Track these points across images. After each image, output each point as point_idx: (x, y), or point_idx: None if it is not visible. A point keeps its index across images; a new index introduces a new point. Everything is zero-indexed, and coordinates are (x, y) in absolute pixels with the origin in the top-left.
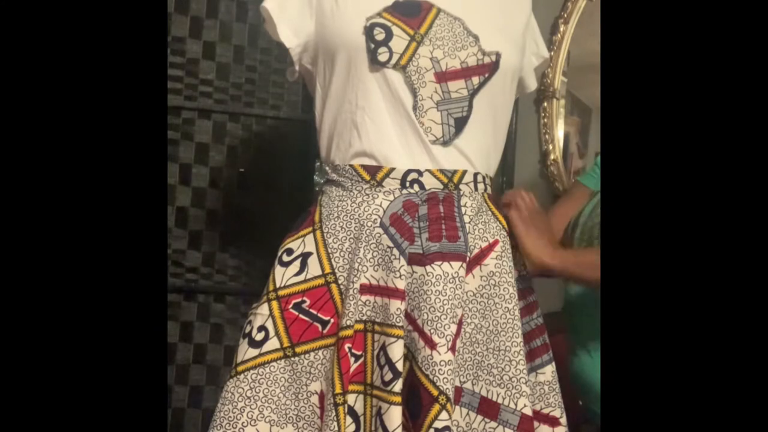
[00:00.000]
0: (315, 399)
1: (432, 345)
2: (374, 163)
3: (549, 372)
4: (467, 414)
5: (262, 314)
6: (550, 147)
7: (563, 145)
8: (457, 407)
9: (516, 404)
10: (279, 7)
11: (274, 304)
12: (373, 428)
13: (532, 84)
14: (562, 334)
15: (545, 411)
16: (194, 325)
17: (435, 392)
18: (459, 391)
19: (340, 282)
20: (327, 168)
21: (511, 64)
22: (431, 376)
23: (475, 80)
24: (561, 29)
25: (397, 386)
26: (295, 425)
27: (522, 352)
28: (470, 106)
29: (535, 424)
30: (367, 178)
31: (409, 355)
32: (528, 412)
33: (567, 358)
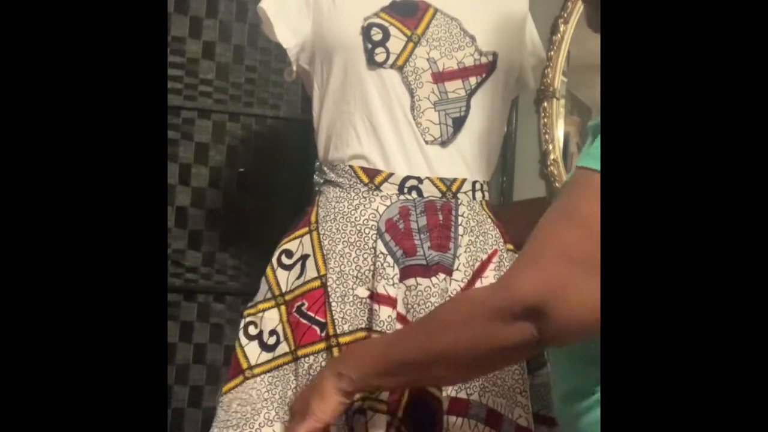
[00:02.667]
0: None
1: None
2: (372, 166)
3: (545, 374)
4: (476, 425)
5: (272, 318)
6: (550, 147)
7: (563, 145)
8: (465, 419)
9: (512, 414)
10: (276, 7)
11: (283, 309)
12: None
13: (530, 83)
14: None
15: (542, 412)
16: (194, 325)
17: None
18: (466, 403)
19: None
20: (325, 168)
21: (508, 64)
22: None
23: (473, 80)
24: (561, 29)
25: (384, 393)
26: None
27: (522, 363)
28: (468, 106)
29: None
30: (366, 180)
31: None
32: (523, 423)
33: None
